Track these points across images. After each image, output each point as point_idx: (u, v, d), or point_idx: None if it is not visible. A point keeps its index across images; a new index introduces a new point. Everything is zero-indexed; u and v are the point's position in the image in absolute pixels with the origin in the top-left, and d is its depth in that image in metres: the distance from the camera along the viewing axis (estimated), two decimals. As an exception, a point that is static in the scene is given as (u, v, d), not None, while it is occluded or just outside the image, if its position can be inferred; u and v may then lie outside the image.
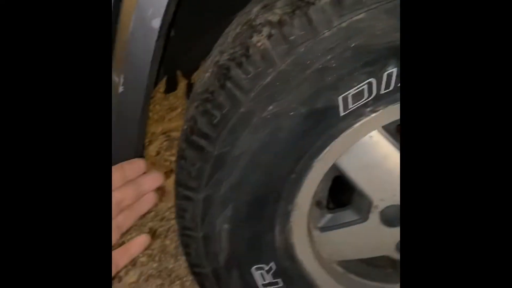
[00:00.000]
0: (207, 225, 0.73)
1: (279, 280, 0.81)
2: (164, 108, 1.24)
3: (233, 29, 0.69)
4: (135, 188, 0.56)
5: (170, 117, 1.22)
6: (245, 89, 0.61)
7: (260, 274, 0.79)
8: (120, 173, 0.55)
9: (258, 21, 0.62)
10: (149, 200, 0.59)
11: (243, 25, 0.65)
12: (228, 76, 0.61)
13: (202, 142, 0.67)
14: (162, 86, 1.16)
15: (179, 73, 1.13)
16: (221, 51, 0.67)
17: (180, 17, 0.68)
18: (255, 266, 0.77)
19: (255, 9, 0.65)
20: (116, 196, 0.53)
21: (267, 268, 0.78)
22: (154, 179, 0.58)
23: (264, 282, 0.80)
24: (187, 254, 0.79)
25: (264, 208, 0.73)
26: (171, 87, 1.19)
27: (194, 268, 0.81)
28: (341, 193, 0.89)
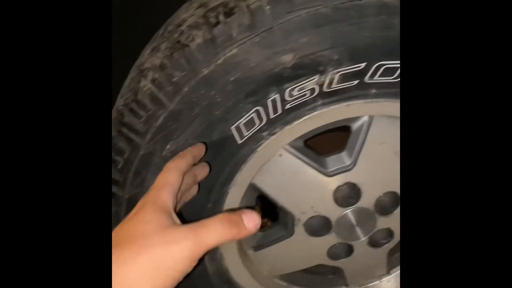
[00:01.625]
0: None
1: (218, 305, 0.83)
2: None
3: (130, 73, 0.71)
4: (193, 178, 0.63)
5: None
6: (141, 132, 0.62)
7: (198, 304, 0.81)
8: (188, 158, 0.60)
9: (146, 65, 0.64)
10: (194, 191, 0.66)
11: (136, 69, 0.67)
12: (123, 122, 0.63)
13: (114, 188, 0.68)
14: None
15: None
16: (121, 95, 0.69)
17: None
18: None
19: (146, 53, 0.67)
20: (181, 182, 0.57)
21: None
22: (203, 172, 0.65)
23: (204, 310, 0.82)
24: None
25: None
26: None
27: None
28: (272, 210, 0.92)
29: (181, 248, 0.47)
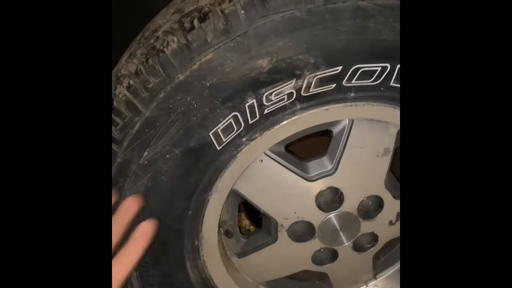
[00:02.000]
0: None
1: (203, 314, 0.81)
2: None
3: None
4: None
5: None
6: (117, 140, 0.62)
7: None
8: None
9: (122, 72, 0.63)
10: None
11: (113, 75, 0.66)
12: (99, 130, 0.62)
13: (91, 196, 0.67)
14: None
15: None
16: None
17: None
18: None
19: (124, 59, 0.67)
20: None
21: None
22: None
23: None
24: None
25: (169, 249, 0.73)
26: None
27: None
28: (255, 216, 0.92)
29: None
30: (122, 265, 0.50)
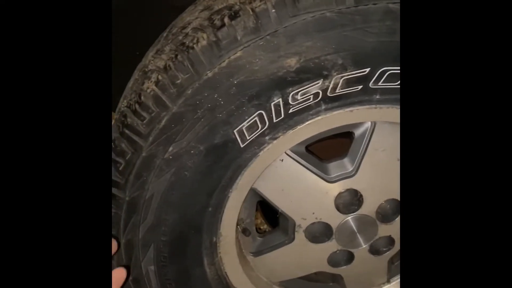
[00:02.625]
0: (134, 269, 0.73)
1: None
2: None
3: (134, 74, 0.71)
4: None
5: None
6: (143, 134, 0.62)
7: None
8: None
9: (150, 67, 0.64)
10: None
11: (140, 70, 0.67)
12: (126, 123, 0.63)
13: (114, 190, 0.67)
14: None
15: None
16: (124, 97, 0.69)
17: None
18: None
19: (150, 55, 0.67)
20: None
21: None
22: None
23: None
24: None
25: (187, 244, 0.74)
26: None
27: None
28: (272, 216, 0.92)
29: None
30: None
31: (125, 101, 0.67)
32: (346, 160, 0.77)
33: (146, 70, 0.64)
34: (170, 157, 0.63)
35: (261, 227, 1.06)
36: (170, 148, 0.63)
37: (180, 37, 0.62)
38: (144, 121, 0.62)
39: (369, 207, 0.79)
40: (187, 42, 0.59)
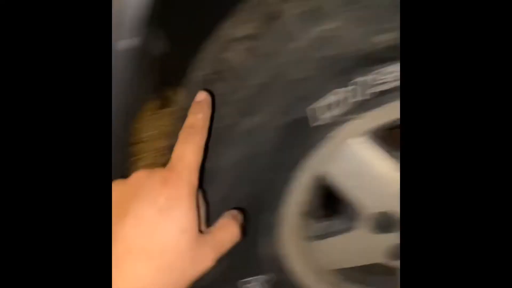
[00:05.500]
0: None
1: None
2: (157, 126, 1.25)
3: (210, 44, 0.70)
4: None
5: (160, 136, 1.22)
6: (225, 103, 0.61)
7: (252, 288, 0.80)
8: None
9: (231, 36, 0.62)
10: None
11: (219, 41, 0.66)
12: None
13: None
14: (153, 105, 1.17)
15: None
16: (200, 67, 0.68)
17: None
18: (243, 280, 0.77)
19: (227, 25, 0.66)
20: None
21: (256, 282, 0.78)
22: None
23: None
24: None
25: (247, 222, 0.73)
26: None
27: None
28: (333, 201, 0.90)
29: (207, 266, 0.50)
30: None
31: (200, 71, 0.66)
32: (420, 150, 0.73)
33: (227, 39, 0.63)
34: (248, 130, 0.62)
35: (320, 212, 1.04)
36: (248, 120, 0.62)
37: (265, 7, 0.60)
38: (228, 90, 0.61)
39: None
40: (274, 12, 0.58)
